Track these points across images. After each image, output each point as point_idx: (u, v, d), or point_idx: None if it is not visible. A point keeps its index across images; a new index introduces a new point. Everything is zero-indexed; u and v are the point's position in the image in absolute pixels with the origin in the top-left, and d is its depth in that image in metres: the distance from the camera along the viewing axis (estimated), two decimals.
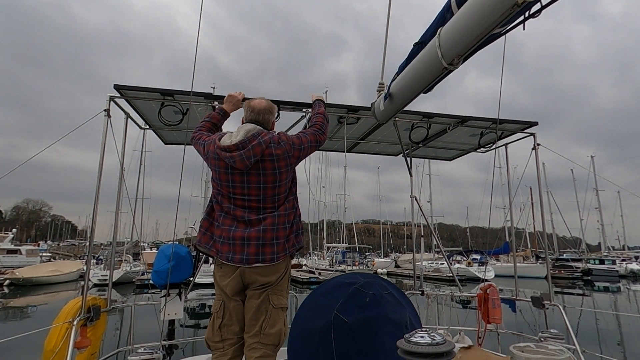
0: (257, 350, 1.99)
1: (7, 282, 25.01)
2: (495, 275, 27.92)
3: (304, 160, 2.27)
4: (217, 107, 2.51)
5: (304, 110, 3.23)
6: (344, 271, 25.84)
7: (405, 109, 2.37)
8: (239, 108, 2.53)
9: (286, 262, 2.15)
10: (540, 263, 33.59)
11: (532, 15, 1.31)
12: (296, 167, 2.25)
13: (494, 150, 4.20)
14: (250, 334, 2.03)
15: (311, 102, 2.68)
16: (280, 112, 3.03)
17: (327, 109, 3.38)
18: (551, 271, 5.25)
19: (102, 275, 24.25)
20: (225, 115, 2.46)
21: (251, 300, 2.06)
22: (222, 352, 2.05)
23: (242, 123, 2.20)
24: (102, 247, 35.07)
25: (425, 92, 2.04)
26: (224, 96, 2.59)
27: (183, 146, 3.14)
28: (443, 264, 34.02)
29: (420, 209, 4.36)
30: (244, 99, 2.50)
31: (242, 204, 2.07)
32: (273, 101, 2.45)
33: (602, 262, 38.20)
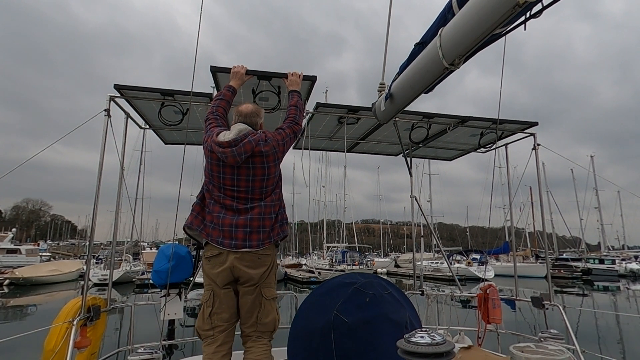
0: (255, 339, 2.21)
1: (6, 281, 24.98)
2: (495, 275, 27.91)
3: (304, 161, 2.36)
4: (225, 85, 2.60)
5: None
6: (344, 271, 25.84)
7: (405, 109, 2.37)
8: (244, 82, 2.72)
9: (272, 256, 2.28)
10: (540, 263, 33.59)
11: (534, 16, 1.31)
12: (296, 167, 2.36)
13: (494, 150, 4.19)
14: (247, 324, 2.23)
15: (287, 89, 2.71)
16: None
17: (327, 109, 3.41)
18: (551, 271, 5.24)
19: (102, 275, 24.22)
20: (234, 91, 2.59)
21: (245, 296, 2.21)
22: (212, 339, 2.18)
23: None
24: (102, 246, 35.07)
25: (426, 92, 2.04)
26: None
27: (183, 146, 3.15)
28: (443, 263, 34.01)
29: (420, 209, 4.35)
30: (247, 72, 2.69)
31: (232, 194, 2.21)
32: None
33: (601, 261, 38.22)
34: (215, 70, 2.80)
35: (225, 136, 2.16)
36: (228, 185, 2.19)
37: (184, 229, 2.35)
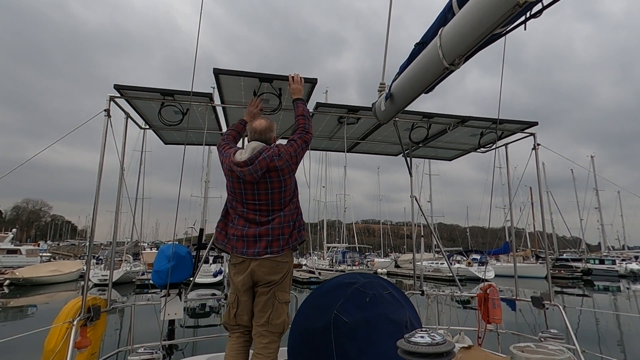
0: (265, 337, 2.35)
1: (7, 282, 24.99)
2: (495, 275, 27.92)
3: (304, 161, 2.49)
4: (239, 119, 2.81)
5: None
6: (344, 271, 25.83)
7: (405, 109, 2.38)
8: (256, 118, 2.82)
9: (289, 263, 2.43)
10: (540, 263, 33.59)
11: (534, 16, 1.31)
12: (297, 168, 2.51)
13: (494, 150, 4.19)
14: (259, 323, 2.37)
15: (292, 98, 2.80)
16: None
17: (327, 108, 3.41)
18: (551, 271, 5.24)
19: (102, 275, 24.24)
20: (246, 125, 2.75)
21: (260, 296, 2.38)
22: (237, 330, 2.44)
23: (248, 142, 2.49)
24: (102, 247, 35.03)
25: (426, 92, 2.04)
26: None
27: (183, 146, 3.15)
28: (443, 264, 34.01)
29: (420, 209, 4.35)
30: (247, 74, 2.79)
31: (254, 208, 2.38)
32: None
33: (602, 262, 38.22)
34: (217, 73, 2.81)
35: (242, 155, 2.33)
36: (250, 199, 2.37)
37: (212, 244, 2.57)
